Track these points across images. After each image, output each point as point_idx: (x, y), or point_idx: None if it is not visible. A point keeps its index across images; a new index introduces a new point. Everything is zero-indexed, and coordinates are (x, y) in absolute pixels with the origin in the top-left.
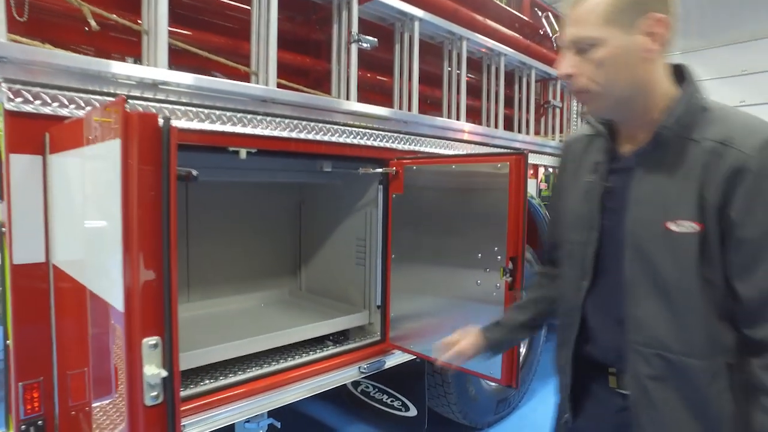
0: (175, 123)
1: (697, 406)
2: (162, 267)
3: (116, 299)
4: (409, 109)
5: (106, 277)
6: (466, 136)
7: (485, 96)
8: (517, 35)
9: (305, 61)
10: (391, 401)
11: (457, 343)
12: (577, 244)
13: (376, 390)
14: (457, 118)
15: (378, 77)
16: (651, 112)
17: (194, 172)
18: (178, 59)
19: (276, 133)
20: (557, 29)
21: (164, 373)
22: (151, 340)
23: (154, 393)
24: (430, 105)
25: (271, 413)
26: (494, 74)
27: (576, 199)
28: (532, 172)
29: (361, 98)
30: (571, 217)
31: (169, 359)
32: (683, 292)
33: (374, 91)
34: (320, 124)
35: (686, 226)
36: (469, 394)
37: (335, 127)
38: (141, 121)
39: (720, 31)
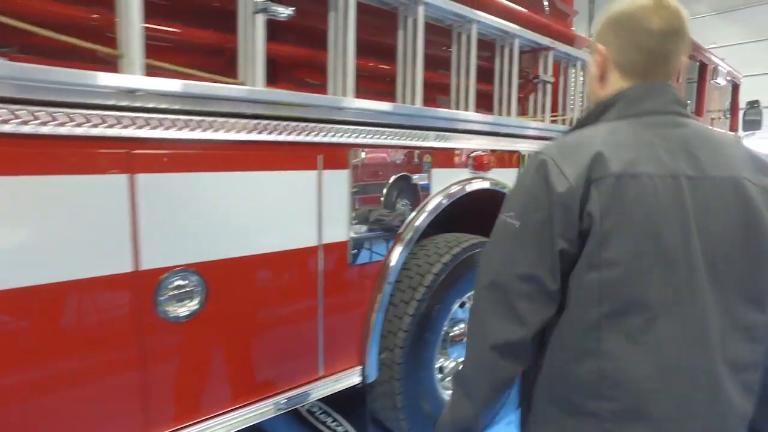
0: None
1: None
2: None
3: None
4: (344, 94)
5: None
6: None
7: (456, 71)
8: None
9: (212, 37)
10: (335, 425)
11: None
12: None
13: (321, 411)
14: (412, 101)
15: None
16: None
17: None
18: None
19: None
20: None
21: None
22: None
23: None
24: (389, 83)
25: None
26: (465, 44)
27: None
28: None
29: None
30: None
31: None
32: None
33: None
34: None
35: None
36: (425, 412)
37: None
38: None
39: None
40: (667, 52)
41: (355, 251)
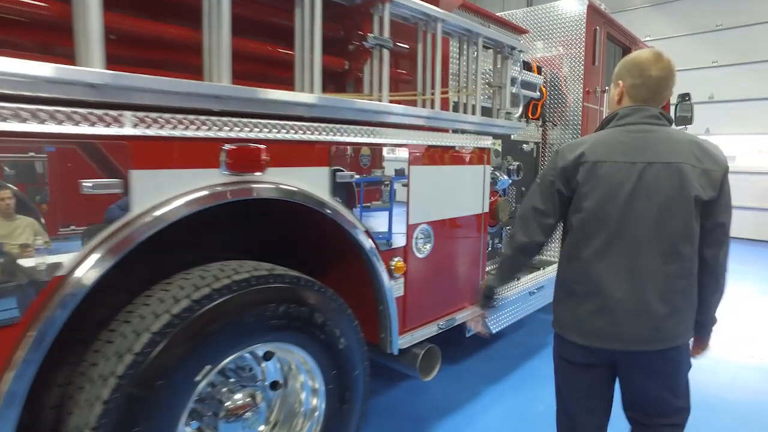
0: None
1: None
2: None
3: None
4: None
5: None
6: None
7: (207, 25)
8: None
9: None
10: None
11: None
12: None
13: None
14: (87, 63)
15: None
16: None
17: None
18: None
19: None
20: None
21: None
22: None
23: None
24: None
25: None
26: None
27: None
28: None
29: None
30: None
31: None
32: None
33: None
34: None
35: None
36: None
37: None
38: None
39: None
40: (659, 88)
41: None
